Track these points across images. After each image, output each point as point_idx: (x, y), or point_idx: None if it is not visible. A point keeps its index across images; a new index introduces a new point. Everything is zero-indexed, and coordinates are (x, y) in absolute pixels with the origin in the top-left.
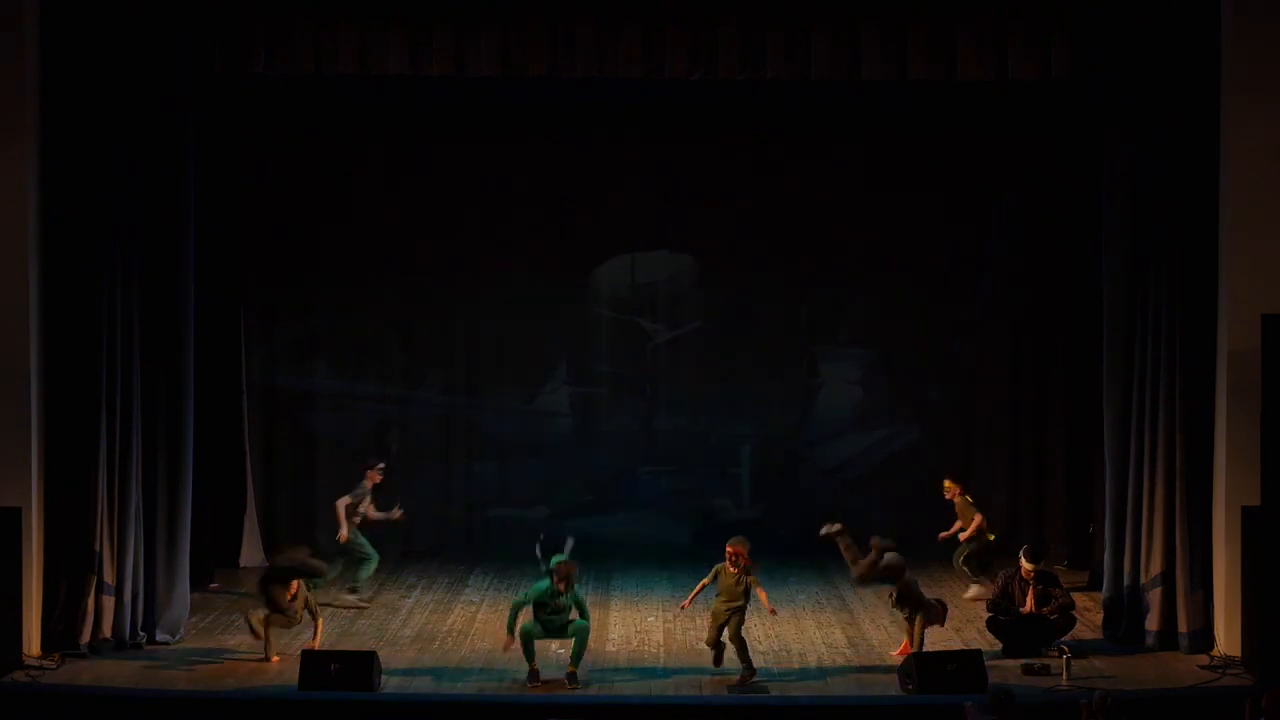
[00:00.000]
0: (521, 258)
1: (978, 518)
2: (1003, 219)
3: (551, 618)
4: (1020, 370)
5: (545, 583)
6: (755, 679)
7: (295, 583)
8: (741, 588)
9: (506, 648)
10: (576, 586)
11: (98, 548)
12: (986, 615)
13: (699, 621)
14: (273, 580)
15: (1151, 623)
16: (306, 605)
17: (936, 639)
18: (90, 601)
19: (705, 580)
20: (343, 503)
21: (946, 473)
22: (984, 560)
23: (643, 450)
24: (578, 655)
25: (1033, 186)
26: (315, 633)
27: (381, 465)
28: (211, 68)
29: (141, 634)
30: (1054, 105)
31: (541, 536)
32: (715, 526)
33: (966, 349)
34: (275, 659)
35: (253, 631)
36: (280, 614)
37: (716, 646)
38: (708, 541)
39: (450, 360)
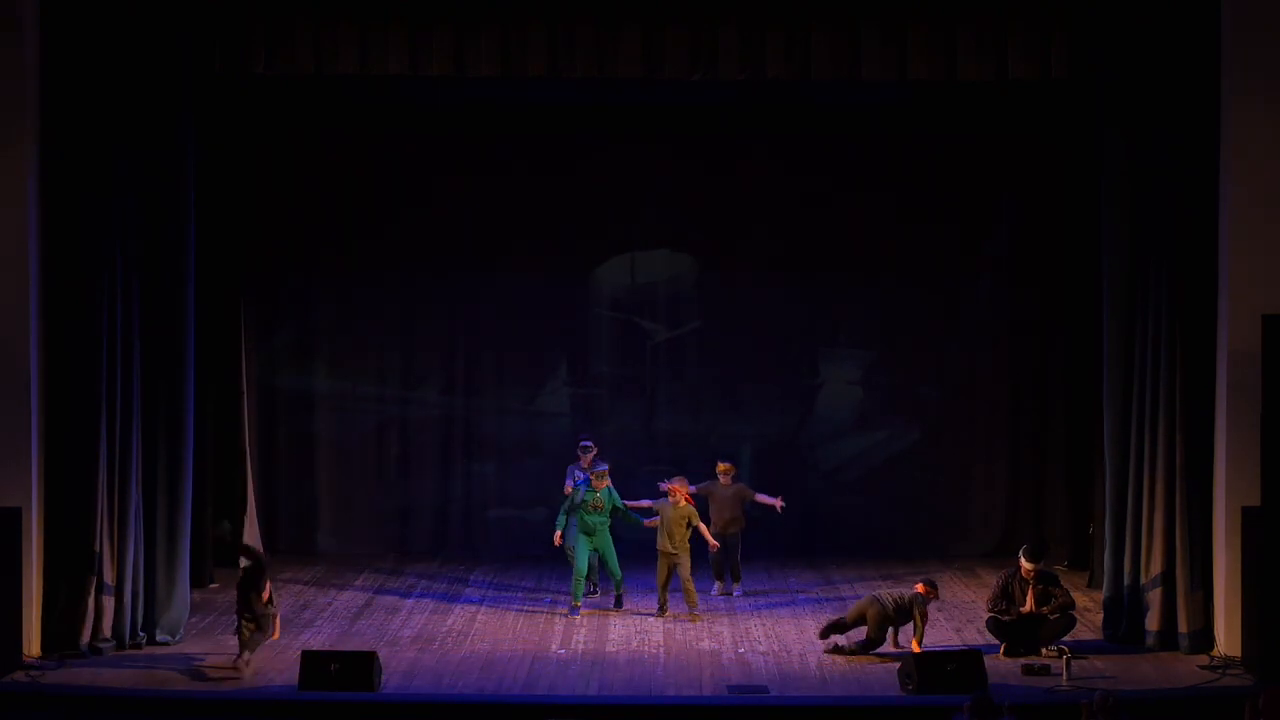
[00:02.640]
0: (521, 258)
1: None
2: (1002, 219)
3: (590, 518)
4: (1020, 370)
5: (584, 483)
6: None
7: (267, 583)
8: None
9: (557, 542)
10: (609, 485)
11: (98, 548)
12: (987, 615)
13: (699, 621)
14: (248, 587)
15: (1151, 623)
16: (270, 601)
17: (937, 639)
18: (90, 602)
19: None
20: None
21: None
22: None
23: (643, 450)
24: (615, 574)
25: (1032, 187)
26: (275, 628)
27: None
28: (211, 68)
29: (141, 634)
30: (1054, 105)
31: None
32: None
33: (966, 349)
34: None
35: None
36: (255, 621)
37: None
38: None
39: (450, 360)
